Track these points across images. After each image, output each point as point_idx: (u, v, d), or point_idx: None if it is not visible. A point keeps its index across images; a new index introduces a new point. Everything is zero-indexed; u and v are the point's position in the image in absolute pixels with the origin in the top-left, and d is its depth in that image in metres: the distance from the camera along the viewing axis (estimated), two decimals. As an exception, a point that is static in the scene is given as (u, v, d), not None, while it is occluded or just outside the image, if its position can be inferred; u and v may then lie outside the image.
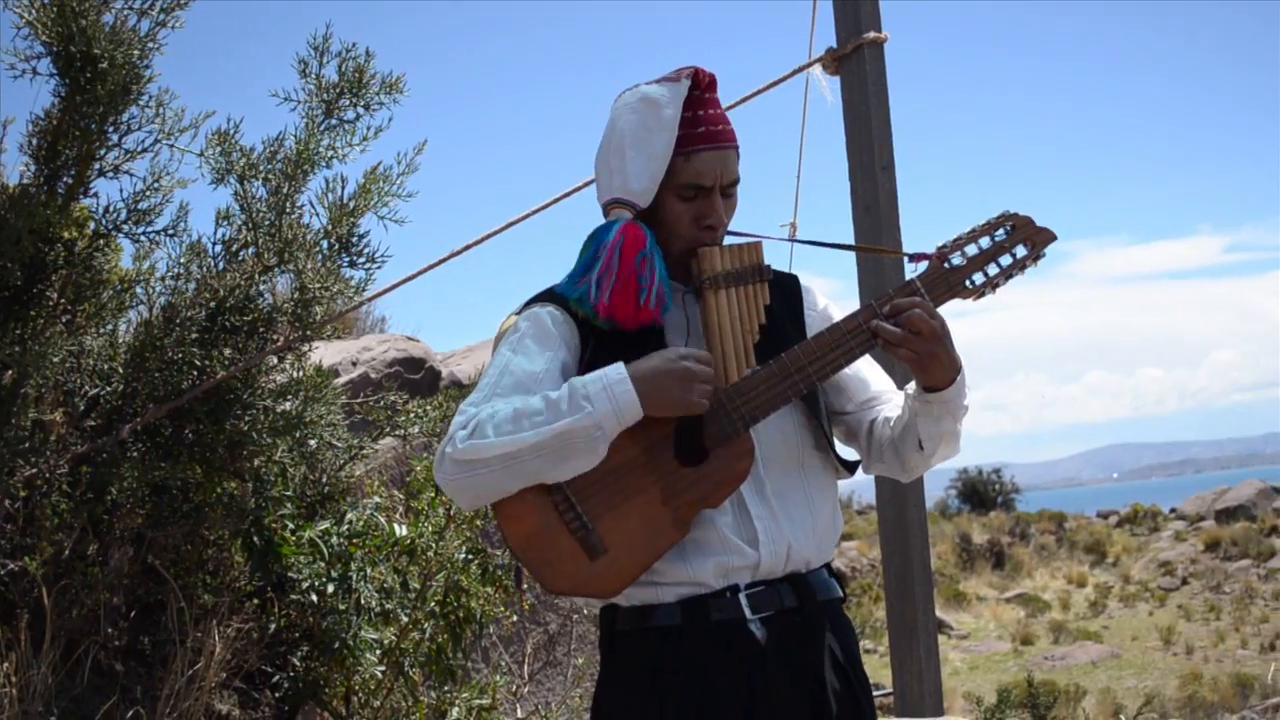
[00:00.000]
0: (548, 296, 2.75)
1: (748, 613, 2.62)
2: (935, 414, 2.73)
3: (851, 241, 5.78)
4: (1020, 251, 2.70)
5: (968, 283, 2.69)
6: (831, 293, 3.04)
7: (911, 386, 2.75)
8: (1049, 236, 2.70)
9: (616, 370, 2.51)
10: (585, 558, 2.58)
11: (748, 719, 2.58)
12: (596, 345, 2.67)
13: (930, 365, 2.63)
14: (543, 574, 2.61)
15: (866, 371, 2.93)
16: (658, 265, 2.66)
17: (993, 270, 2.70)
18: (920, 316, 2.59)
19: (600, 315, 2.63)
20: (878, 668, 19.21)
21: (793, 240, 3.19)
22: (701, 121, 2.69)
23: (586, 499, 2.57)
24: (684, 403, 2.51)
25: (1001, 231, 2.70)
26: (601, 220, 2.75)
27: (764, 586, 2.65)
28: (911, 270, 2.74)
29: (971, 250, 2.70)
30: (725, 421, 2.60)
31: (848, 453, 2.93)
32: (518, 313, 2.77)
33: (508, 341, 2.70)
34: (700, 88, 2.72)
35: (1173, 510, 40.05)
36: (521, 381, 2.61)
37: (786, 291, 2.88)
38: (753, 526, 2.64)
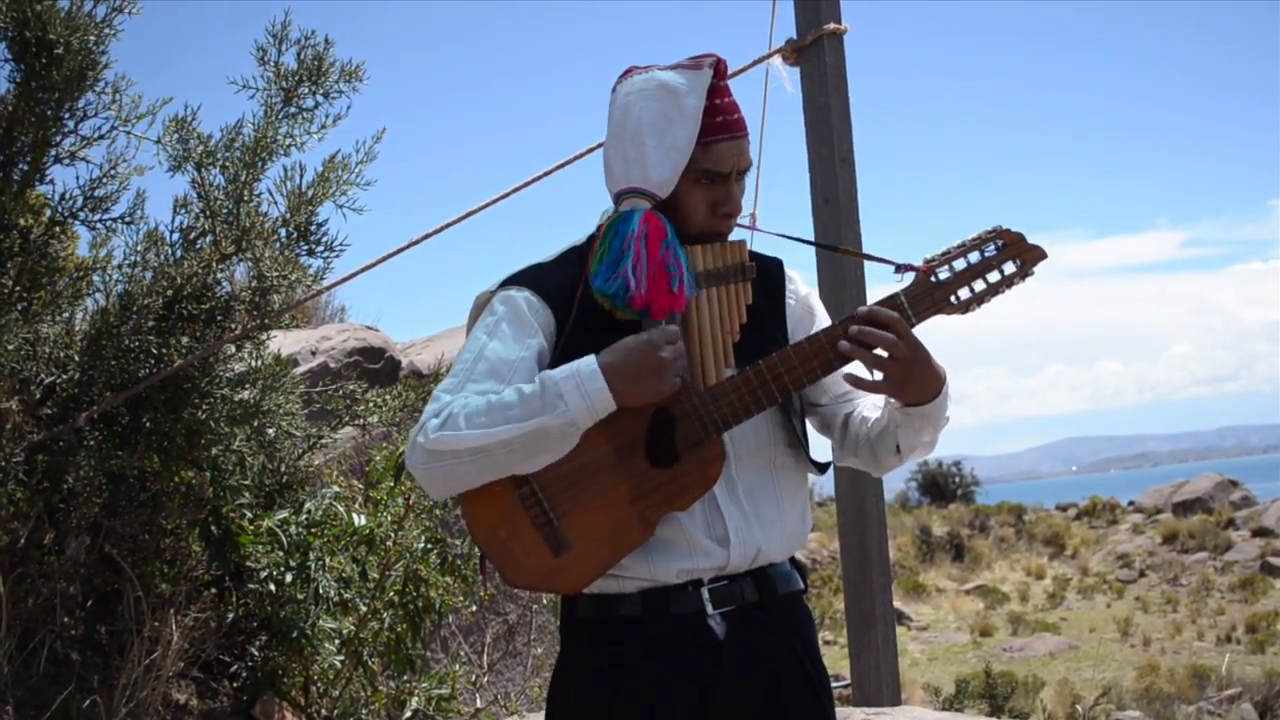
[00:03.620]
0: (524, 279, 2.71)
1: (709, 607, 2.63)
2: (915, 426, 2.72)
3: (812, 236, 5.79)
4: (1009, 268, 2.65)
5: (953, 298, 2.64)
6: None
7: None
8: (1039, 254, 2.65)
9: (588, 364, 2.49)
10: (549, 553, 2.57)
11: (701, 712, 2.59)
12: (573, 331, 2.65)
13: (903, 386, 2.61)
14: (505, 566, 2.61)
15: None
16: (680, 254, 2.62)
17: (979, 286, 2.65)
18: (888, 340, 2.55)
19: (636, 306, 2.59)
20: (837, 658, 19.30)
21: (787, 237, 3.07)
22: (720, 110, 2.65)
23: (554, 494, 2.57)
24: (656, 391, 2.50)
25: (991, 247, 2.64)
26: (599, 207, 2.72)
27: (726, 581, 2.65)
28: (897, 280, 2.68)
29: (959, 265, 2.64)
30: (698, 425, 2.58)
31: (819, 447, 2.91)
32: (493, 291, 2.73)
33: (483, 324, 2.68)
34: (718, 75, 2.67)
35: (1130, 503, 40.28)
36: (495, 368, 2.59)
37: (769, 278, 2.85)
38: (724, 525, 2.64)
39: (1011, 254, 2.65)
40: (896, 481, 49.10)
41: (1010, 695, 16.97)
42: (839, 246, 4.45)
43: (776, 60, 5.90)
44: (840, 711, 5.34)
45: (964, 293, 2.65)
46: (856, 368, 2.75)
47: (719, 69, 2.67)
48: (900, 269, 2.69)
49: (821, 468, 2.85)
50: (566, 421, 2.46)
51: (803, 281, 2.97)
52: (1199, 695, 17.89)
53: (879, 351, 2.57)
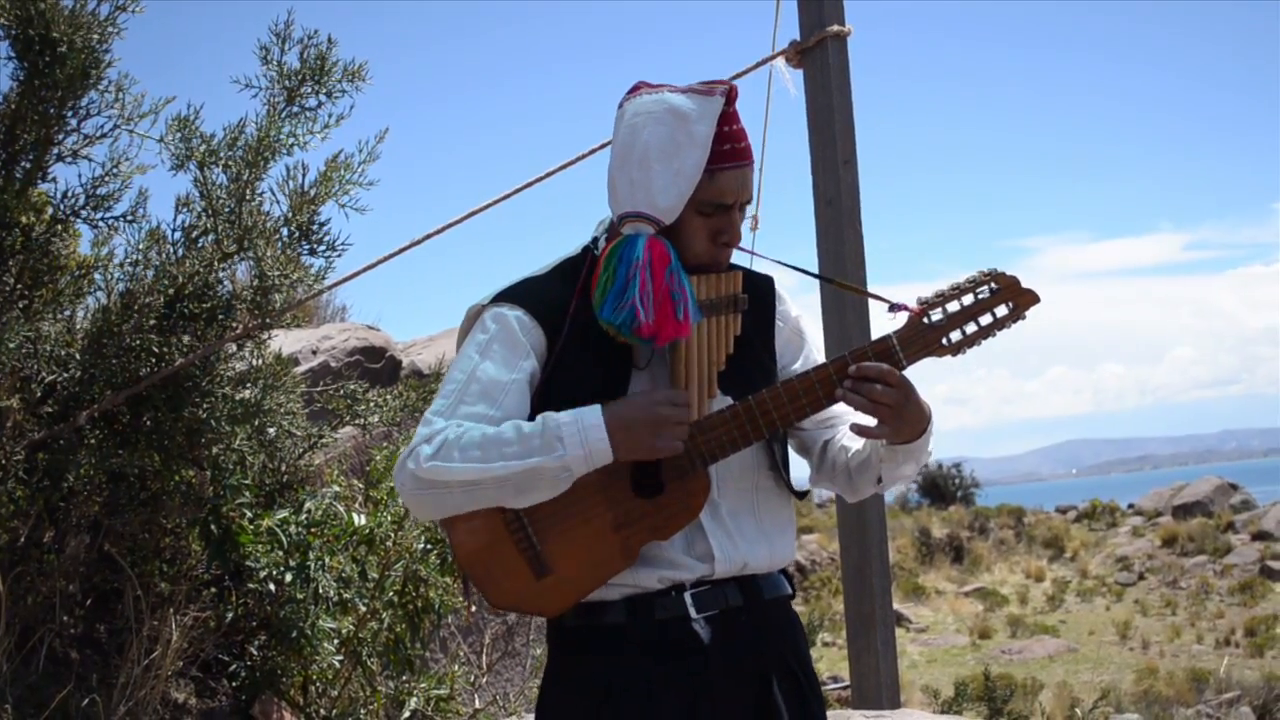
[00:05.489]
0: (517, 296, 2.71)
1: (692, 612, 2.63)
2: (900, 460, 2.75)
3: (814, 238, 5.80)
4: (1001, 311, 2.66)
5: (944, 340, 2.66)
6: (790, 287, 3.01)
7: None
8: (1032, 299, 2.66)
9: (593, 414, 2.50)
10: (530, 576, 2.59)
11: (690, 717, 2.59)
12: (564, 350, 2.65)
13: (894, 430, 2.63)
14: (486, 588, 2.63)
15: None
16: (684, 281, 2.62)
17: (971, 329, 2.66)
18: (884, 392, 2.58)
19: (644, 335, 2.58)
20: (836, 660, 19.29)
21: (802, 271, 3.07)
22: (727, 139, 2.64)
23: (537, 519, 2.58)
24: (656, 449, 2.51)
25: (985, 290, 2.65)
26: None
27: (710, 586, 2.66)
28: (890, 319, 2.70)
29: (953, 307, 2.66)
30: (684, 457, 2.60)
31: (796, 468, 2.93)
32: (485, 304, 2.72)
33: (475, 343, 2.67)
34: (728, 102, 2.66)
35: (1130, 506, 40.31)
36: (488, 390, 2.59)
37: (759, 299, 2.85)
38: (707, 543, 2.66)
39: (1005, 298, 2.66)
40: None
41: (1009, 698, 16.95)
42: (835, 280, 4.46)
43: (780, 62, 5.90)
44: (839, 714, 5.34)
45: (955, 335, 2.66)
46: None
47: (730, 96, 2.65)
48: (894, 309, 2.70)
49: (800, 495, 2.87)
50: (561, 465, 2.47)
51: (794, 303, 2.97)
52: (1198, 698, 17.88)
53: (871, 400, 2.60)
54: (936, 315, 2.66)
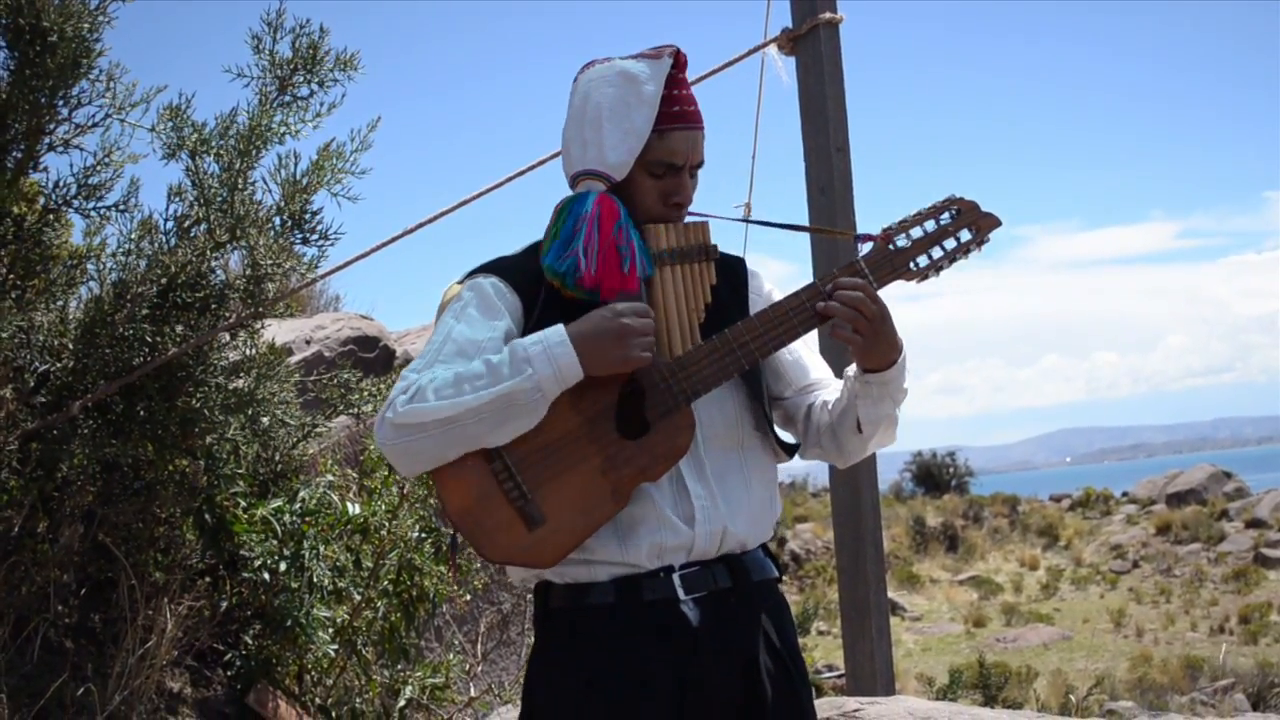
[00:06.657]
0: (490, 268, 2.75)
1: (681, 593, 2.63)
2: (875, 395, 2.74)
3: (805, 222, 5.80)
4: (965, 236, 2.71)
5: (912, 265, 2.70)
6: (785, 275, 3.05)
7: (852, 369, 2.76)
8: (993, 222, 2.71)
9: (556, 332, 2.52)
10: (523, 527, 2.58)
11: (678, 699, 2.59)
12: (540, 316, 2.67)
13: (871, 347, 2.65)
14: (480, 542, 2.61)
15: (806, 358, 2.95)
16: (633, 235, 2.66)
17: (937, 254, 2.71)
18: (862, 299, 2.61)
19: (586, 285, 2.62)
20: (831, 649, 19.32)
21: (743, 220, 3.15)
22: (676, 101, 2.71)
23: (527, 469, 2.57)
24: (625, 360, 2.53)
25: (947, 215, 2.71)
26: (565, 193, 2.75)
27: (698, 567, 2.65)
28: (858, 250, 2.75)
29: (916, 233, 2.71)
30: (667, 395, 2.61)
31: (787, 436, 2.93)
32: (460, 282, 2.76)
33: (451, 310, 2.70)
34: (677, 66, 2.73)
35: (1124, 494, 40.40)
36: (464, 349, 2.60)
37: (732, 274, 2.89)
38: (690, 505, 2.65)
39: (966, 222, 2.72)
40: (891, 472, 49.21)
41: (1004, 686, 16.99)
42: (791, 224, 4.49)
43: (772, 50, 5.90)
44: (834, 701, 5.34)
45: (922, 260, 2.72)
46: (808, 349, 2.91)
47: (678, 60, 2.73)
48: (859, 239, 2.76)
49: (790, 450, 2.87)
50: (533, 387, 2.48)
51: (766, 278, 3.00)
52: (1192, 686, 17.92)
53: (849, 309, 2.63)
54: (902, 241, 2.71)
